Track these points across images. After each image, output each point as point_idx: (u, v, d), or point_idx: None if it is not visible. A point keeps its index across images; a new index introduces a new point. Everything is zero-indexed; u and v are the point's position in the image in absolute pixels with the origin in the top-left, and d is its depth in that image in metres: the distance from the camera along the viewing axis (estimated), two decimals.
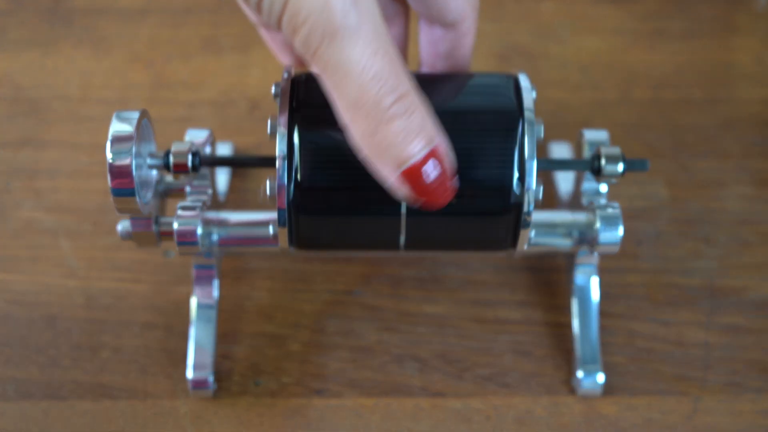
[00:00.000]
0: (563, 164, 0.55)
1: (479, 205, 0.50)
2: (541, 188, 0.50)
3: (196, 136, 0.58)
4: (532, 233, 0.55)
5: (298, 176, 0.49)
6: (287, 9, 0.42)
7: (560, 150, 0.67)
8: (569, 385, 0.58)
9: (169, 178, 0.58)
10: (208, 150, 0.57)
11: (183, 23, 0.76)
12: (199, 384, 0.57)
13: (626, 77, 0.73)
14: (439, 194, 0.46)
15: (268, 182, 0.49)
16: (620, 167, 0.52)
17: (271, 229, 0.53)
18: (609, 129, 0.58)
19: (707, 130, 0.70)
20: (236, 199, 0.66)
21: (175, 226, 0.54)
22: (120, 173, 0.50)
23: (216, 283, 0.59)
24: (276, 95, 0.50)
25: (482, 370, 0.59)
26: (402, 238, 0.52)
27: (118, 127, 0.50)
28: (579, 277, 0.59)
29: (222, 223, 0.56)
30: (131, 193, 0.50)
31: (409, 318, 0.61)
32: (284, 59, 0.55)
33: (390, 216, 0.50)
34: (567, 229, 0.56)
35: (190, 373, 0.57)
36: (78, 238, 0.64)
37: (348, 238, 0.52)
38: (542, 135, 0.50)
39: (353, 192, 0.50)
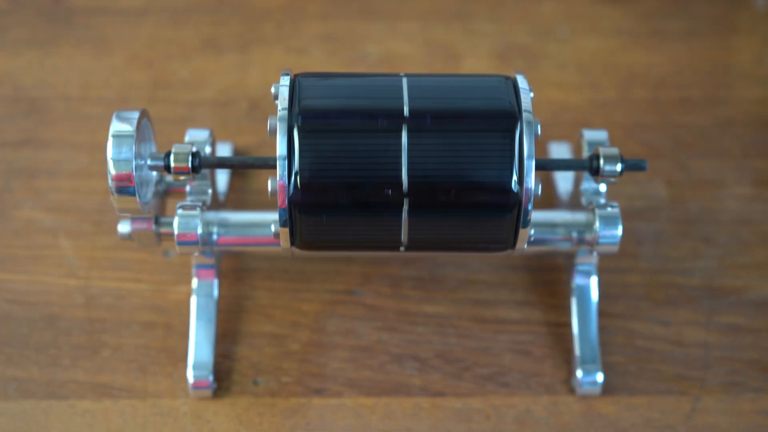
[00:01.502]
0: (562, 164, 0.55)
1: (480, 204, 0.50)
2: (540, 186, 0.50)
3: (196, 136, 0.58)
4: (531, 232, 0.55)
5: (299, 178, 0.49)
6: None
7: (560, 150, 0.67)
8: (569, 384, 0.58)
9: (169, 177, 0.58)
10: (208, 150, 0.57)
11: (183, 23, 0.76)
12: (199, 384, 0.57)
13: (626, 77, 0.73)
14: None
15: (270, 181, 0.49)
16: (618, 167, 0.52)
17: (272, 228, 0.53)
18: (608, 129, 0.58)
19: (707, 129, 0.70)
20: (236, 199, 0.66)
21: (175, 226, 0.54)
22: (120, 173, 0.50)
23: (216, 283, 0.59)
24: (276, 96, 0.50)
25: (482, 370, 0.59)
26: (403, 238, 0.52)
27: (118, 126, 0.50)
28: (578, 276, 0.59)
29: (222, 223, 0.56)
30: (131, 193, 0.50)
31: (408, 318, 0.61)
32: None
33: (391, 215, 0.50)
34: (566, 228, 0.56)
35: (190, 373, 0.57)
36: (78, 238, 0.64)
37: (349, 238, 0.52)
38: (539, 132, 0.50)
39: (354, 192, 0.50)
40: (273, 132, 0.49)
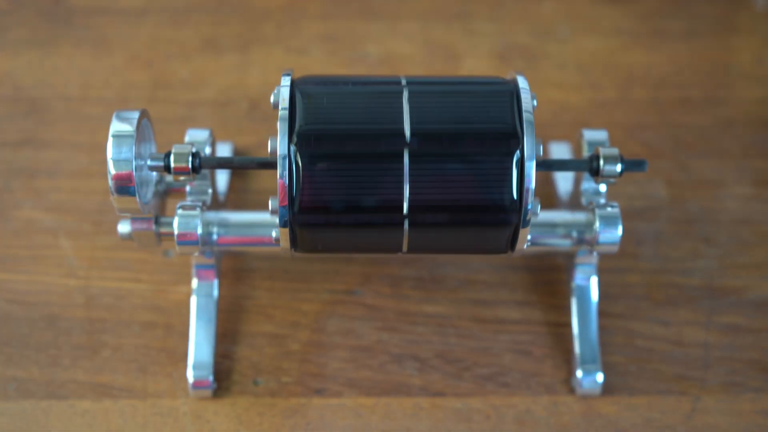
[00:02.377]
0: (562, 165, 0.55)
1: (480, 204, 0.50)
2: (539, 206, 0.51)
3: (196, 136, 0.58)
4: (529, 238, 0.55)
5: (299, 200, 0.49)
6: None
7: (560, 150, 0.67)
8: (569, 384, 0.58)
9: (169, 178, 0.58)
10: (208, 150, 0.57)
11: (183, 23, 0.76)
12: (199, 384, 0.57)
13: (626, 77, 0.73)
14: None
15: (270, 201, 0.50)
16: (618, 168, 0.52)
17: (273, 234, 0.53)
18: (608, 129, 0.58)
19: (707, 129, 0.70)
20: (236, 199, 0.66)
21: (175, 226, 0.54)
22: (120, 173, 0.50)
23: (216, 283, 0.59)
24: (275, 104, 0.50)
25: (482, 370, 0.59)
26: (404, 243, 0.52)
27: (118, 126, 0.50)
28: (578, 276, 0.59)
29: (222, 223, 0.56)
30: (131, 193, 0.50)
31: (408, 318, 0.61)
32: None
33: (392, 226, 0.51)
34: (566, 228, 0.56)
35: (190, 373, 0.57)
36: (78, 238, 0.64)
37: (349, 246, 0.53)
38: (541, 153, 0.50)
39: (354, 202, 0.50)
40: (273, 152, 0.50)
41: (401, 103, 0.51)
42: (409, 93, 0.51)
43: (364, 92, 0.52)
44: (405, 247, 0.52)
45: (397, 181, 0.49)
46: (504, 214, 0.50)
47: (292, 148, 0.49)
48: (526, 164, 0.49)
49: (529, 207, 0.50)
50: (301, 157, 0.49)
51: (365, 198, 0.50)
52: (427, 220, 0.50)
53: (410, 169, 0.49)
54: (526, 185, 0.49)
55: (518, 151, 0.49)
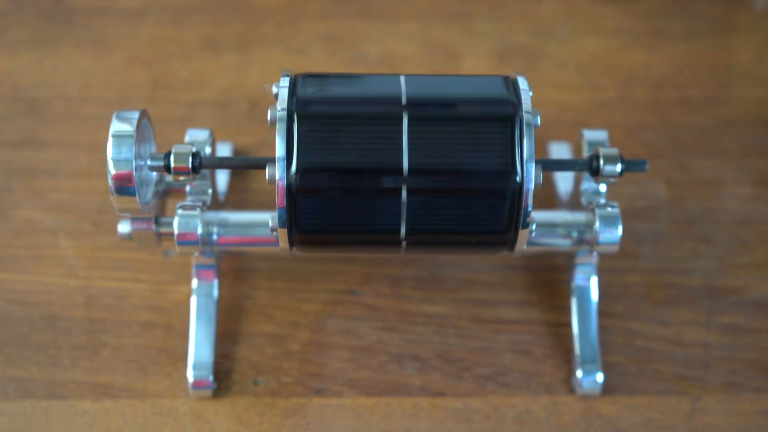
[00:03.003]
0: (562, 164, 0.55)
1: (480, 204, 0.50)
2: (541, 175, 0.50)
3: (196, 136, 0.58)
4: (533, 227, 0.55)
5: (298, 167, 0.49)
6: None
7: (560, 150, 0.67)
8: (569, 384, 0.58)
9: (169, 178, 0.58)
10: (208, 150, 0.57)
11: (183, 23, 0.76)
12: (199, 384, 0.57)
13: (626, 77, 0.73)
14: None
15: (268, 168, 0.50)
16: (618, 168, 0.52)
17: (270, 222, 0.53)
18: (608, 129, 0.58)
19: (707, 129, 0.70)
20: (236, 199, 0.66)
21: (175, 226, 0.54)
22: (120, 173, 0.50)
23: (216, 283, 0.59)
24: (276, 95, 0.50)
25: (482, 370, 0.59)
26: (402, 229, 0.51)
27: (118, 126, 0.50)
28: (578, 276, 0.59)
29: (222, 223, 0.56)
30: (131, 193, 0.50)
31: (408, 318, 0.61)
32: None
33: (390, 202, 0.50)
34: (566, 228, 0.56)
35: (190, 373, 0.57)
36: (78, 238, 0.64)
37: (348, 228, 0.52)
38: (539, 123, 0.50)
39: (354, 179, 0.50)
40: (273, 122, 0.50)
41: (399, 80, 0.52)
42: (407, 77, 0.52)
43: (363, 76, 0.53)
44: (403, 228, 0.51)
45: (396, 145, 0.49)
46: (502, 181, 0.49)
47: (294, 115, 0.49)
48: (526, 164, 0.49)
49: (530, 208, 0.50)
50: (298, 125, 0.49)
51: (364, 164, 0.49)
52: (427, 188, 0.50)
53: (409, 132, 0.49)
54: (526, 185, 0.49)
55: (518, 129, 0.49)
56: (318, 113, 0.50)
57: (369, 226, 0.51)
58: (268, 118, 0.50)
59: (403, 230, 0.51)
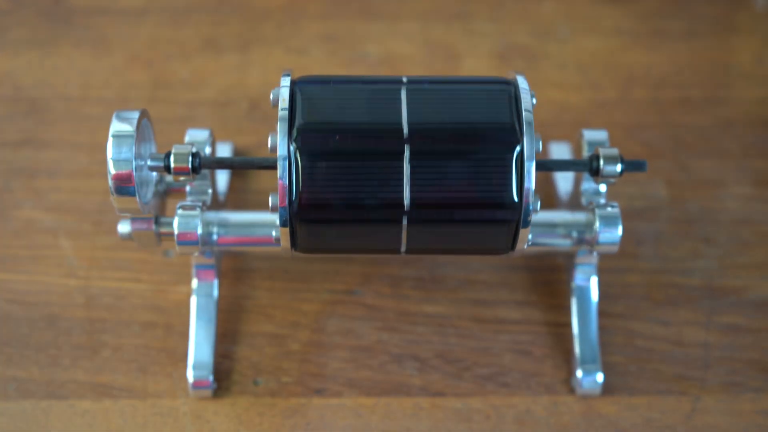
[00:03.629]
0: (562, 165, 0.55)
1: (480, 204, 0.50)
2: (539, 203, 0.50)
3: (196, 136, 0.58)
4: (530, 237, 0.55)
5: (300, 197, 0.49)
6: None
7: (560, 150, 0.67)
8: (569, 384, 0.58)
9: (169, 178, 0.58)
10: (208, 150, 0.57)
11: (183, 23, 0.76)
12: (199, 384, 0.57)
13: (626, 77, 0.73)
14: None
15: (270, 198, 0.50)
16: (618, 168, 0.52)
17: (274, 233, 0.53)
18: (608, 129, 0.58)
19: (707, 130, 0.70)
20: (236, 199, 0.66)
21: (175, 226, 0.54)
22: (120, 173, 0.50)
23: (216, 283, 0.59)
24: (275, 102, 0.50)
25: (482, 370, 0.59)
26: (403, 245, 0.52)
27: (118, 126, 0.50)
28: (578, 276, 0.59)
29: (222, 223, 0.56)
30: (131, 193, 0.50)
31: (408, 318, 0.61)
32: None
33: (391, 229, 0.51)
34: (566, 229, 0.56)
35: (190, 373, 0.57)
36: (78, 238, 0.64)
37: (349, 244, 0.53)
38: (540, 149, 0.50)
39: (354, 200, 0.50)
40: (273, 148, 0.50)
41: (400, 101, 0.51)
42: (408, 91, 0.51)
43: (364, 90, 0.52)
44: (404, 247, 0.52)
45: (398, 179, 0.49)
46: (504, 212, 0.50)
47: (292, 146, 0.49)
48: (526, 164, 0.49)
49: (530, 207, 0.50)
50: (301, 155, 0.49)
51: (365, 196, 0.50)
52: (427, 218, 0.50)
53: (411, 167, 0.49)
54: (526, 185, 0.49)
55: (518, 148, 0.49)
56: (319, 151, 0.49)
57: (370, 248, 0.53)
58: (269, 145, 0.50)
59: (403, 248, 0.52)
